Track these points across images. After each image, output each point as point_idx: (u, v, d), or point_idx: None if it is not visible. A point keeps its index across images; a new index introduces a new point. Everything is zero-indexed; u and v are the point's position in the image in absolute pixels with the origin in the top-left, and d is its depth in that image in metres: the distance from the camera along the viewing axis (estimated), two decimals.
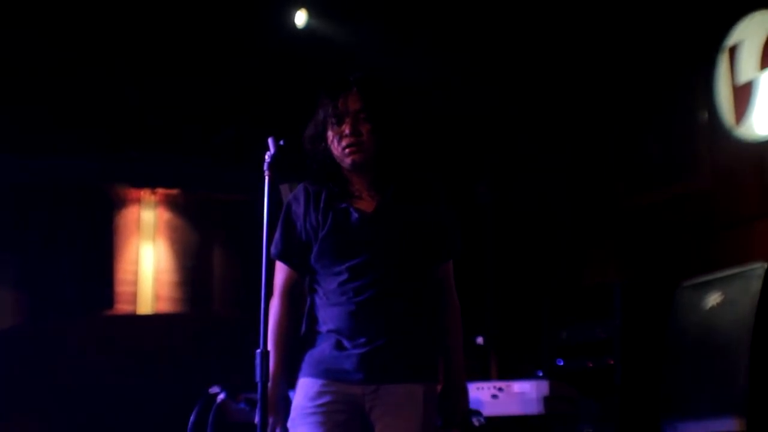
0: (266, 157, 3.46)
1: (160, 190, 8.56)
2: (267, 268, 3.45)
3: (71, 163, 7.82)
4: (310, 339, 3.64)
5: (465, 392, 3.72)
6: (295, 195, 3.72)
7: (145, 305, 8.40)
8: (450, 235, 3.72)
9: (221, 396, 3.84)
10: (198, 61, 7.44)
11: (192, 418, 3.89)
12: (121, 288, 8.36)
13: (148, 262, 8.49)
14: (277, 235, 3.68)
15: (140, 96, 7.51)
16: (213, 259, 8.66)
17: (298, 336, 3.68)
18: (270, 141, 3.47)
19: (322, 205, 3.63)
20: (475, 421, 4.17)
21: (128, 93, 7.45)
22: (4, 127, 7.13)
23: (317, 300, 3.64)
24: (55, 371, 7.12)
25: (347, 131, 3.57)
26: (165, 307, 8.46)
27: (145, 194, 8.55)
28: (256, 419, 3.39)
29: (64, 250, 8.12)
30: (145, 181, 8.46)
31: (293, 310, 3.67)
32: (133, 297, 8.40)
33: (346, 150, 3.58)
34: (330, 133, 3.61)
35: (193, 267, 8.60)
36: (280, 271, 3.69)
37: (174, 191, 8.60)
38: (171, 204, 8.64)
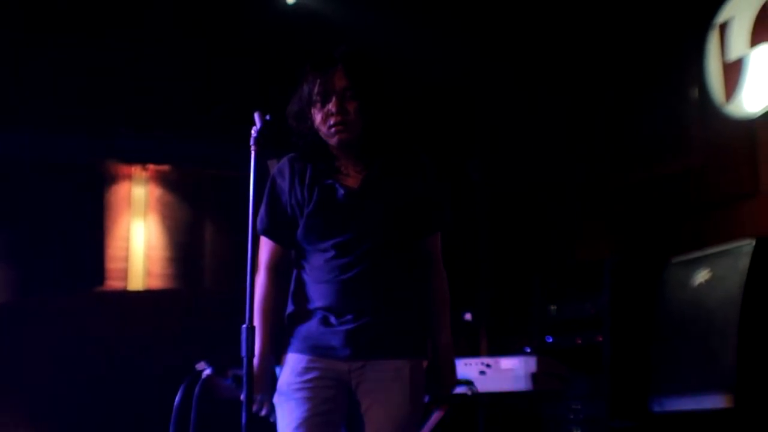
0: (252, 131, 3.44)
1: (151, 167, 8.53)
2: (253, 244, 3.45)
3: (62, 139, 7.79)
4: (297, 315, 3.63)
5: (452, 367, 3.72)
6: (279, 169, 3.69)
7: (136, 281, 8.39)
8: (437, 208, 3.70)
9: (207, 372, 3.83)
10: (189, 37, 7.42)
11: (178, 395, 3.87)
12: (112, 264, 8.35)
13: (139, 239, 8.47)
14: (262, 210, 3.67)
15: (132, 72, 7.49)
16: (204, 236, 8.65)
17: (284, 312, 3.68)
18: (256, 116, 3.45)
19: (307, 181, 3.61)
20: (468, 391, 4.18)
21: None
22: None
23: (304, 276, 3.63)
24: (45, 347, 7.12)
25: (333, 110, 3.53)
26: (156, 283, 8.45)
27: (136, 170, 8.53)
28: (242, 396, 3.40)
29: (55, 227, 8.10)
30: (136, 157, 8.43)
31: (279, 286, 3.66)
32: (124, 273, 8.39)
33: (333, 129, 3.55)
34: (315, 111, 3.57)
35: (184, 243, 8.58)
36: (266, 246, 3.68)
37: (165, 167, 8.58)
38: (162, 180, 8.61)
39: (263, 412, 3.61)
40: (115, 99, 7.50)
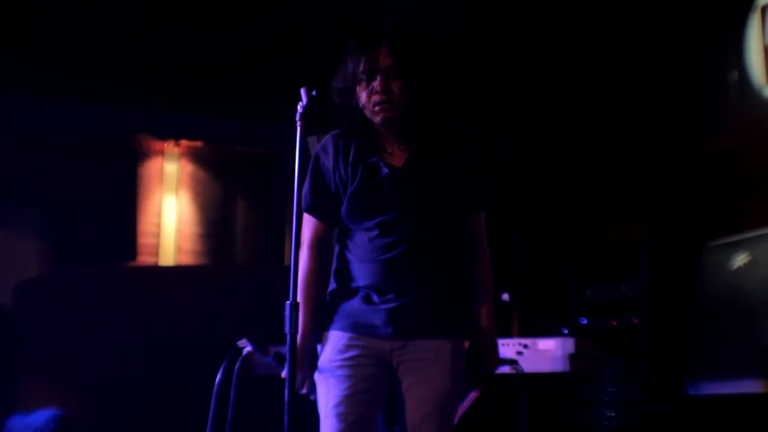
0: (298, 107, 3.43)
1: (184, 142, 8.54)
2: (297, 220, 3.44)
3: (95, 114, 7.80)
4: (339, 293, 3.64)
5: (495, 347, 3.72)
6: (323, 146, 3.68)
7: (168, 257, 8.41)
8: (481, 187, 3.69)
9: (248, 349, 3.80)
10: (223, 11, 7.40)
11: (219, 372, 3.85)
12: (144, 240, 8.37)
13: (170, 214, 8.49)
14: (305, 188, 3.66)
15: (167, 47, 7.48)
16: (236, 212, 8.66)
17: (326, 289, 3.67)
18: (302, 91, 3.44)
19: (351, 158, 3.60)
20: (512, 370, 4.17)
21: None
22: (29, 75, 7.11)
23: (347, 254, 3.63)
24: (77, 322, 7.15)
25: (378, 88, 3.52)
26: (187, 259, 8.47)
27: (169, 146, 8.54)
28: (283, 374, 3.40)
29: (88, 201, 8.14)
30: (168, 132, 8.45)
31: (322, 263, 3.66)
32: (156, 249, 8.41)
33: (377, 108, 3.54)
34: (359, 89, 3.56)
35: (215, 219, 8.60)
36: (309, 223, 3.67)
37: (198, 143, 8.59)
38: (194, 156, 8.62)
39: (304, 390, 3.61)
40: (149, 74, 7.49)
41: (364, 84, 3.55)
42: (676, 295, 6.15)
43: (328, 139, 3.69)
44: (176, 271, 8.32)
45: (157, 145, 8.50)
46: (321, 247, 3.66)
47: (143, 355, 7.03)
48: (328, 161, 3.64)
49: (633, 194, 7.44)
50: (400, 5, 7.12)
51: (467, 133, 3.71)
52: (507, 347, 5.20)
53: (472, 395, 5.02)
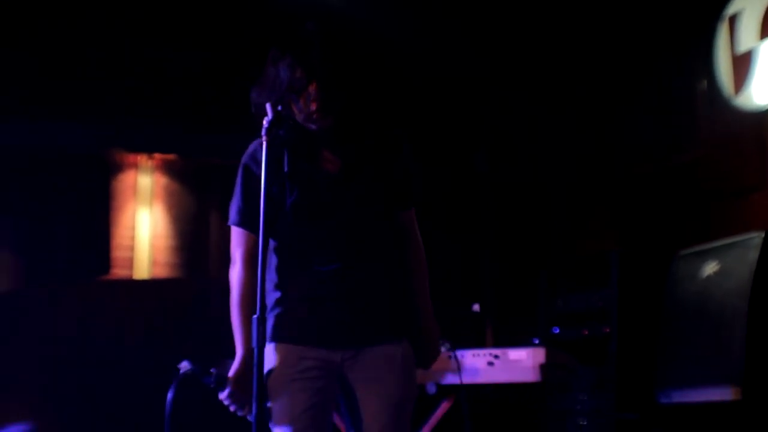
0: (264, 122, 3.39)
1: (157, 156, 8.53)
2: (263, 235, 3.40)
3: (68, 128, 7.79)
4: (283, 305, 3.59)
5: (435, 340, 3.74)
6: (253, 156, 3.61)
7: (142, 270, 8.39)
8: (413, 183, 3.71)
9: (184, 370, 3.66)
10: (197, 24, 7.40)
11: (169, 395, 3.75)
12: (118, 253, 8.35)
13: (144, 228, 8.48)
14: (236, 201, 3.62)
15: (140, 60, 7.48)
16: (210, 225, 8.65)
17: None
18: (268, 106, 3.41)
19: (286, 168, 3.49)
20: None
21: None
22: (0, 91, 7.10)
23: (288, 266, 3.59)
24: (51, 336, 7.13)
25: (314, 96, 3.49)
26: (161, 272, 8.46)
27: (142, 159, 8.53)
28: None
29: (61, 215, 8.11)
30: (142, 146, 8.43)
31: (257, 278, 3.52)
32: (130, 262, 8.39)
33: (315, 115, 3.51)
34: (293, 96, 3.52)
35: (189, 232, 8.58)
36: (241, 237, 3.62)
37: (171, 156, 8.57)
38: (168, 169, 8.61)
39: (240, 412, 3.56)
40: (122, 87, 7.49)
41: (298, 92, 3.51)
42: (647, 304, 6.18)
43: (257, 147, 3.59)
44: (150, 284, 8.29)
45: (130, 158, 8.49)
46: (255, 261, 3.44)
47: (118, 369, 7.01)
48: (259, 170, 3.45)
49: (604, 205, 7.47)
50: (375, 21, 7.16)
51: (399, 132, 3.73)
52: (478, 357, 5.21)
53: (444, 406, 5.04)
